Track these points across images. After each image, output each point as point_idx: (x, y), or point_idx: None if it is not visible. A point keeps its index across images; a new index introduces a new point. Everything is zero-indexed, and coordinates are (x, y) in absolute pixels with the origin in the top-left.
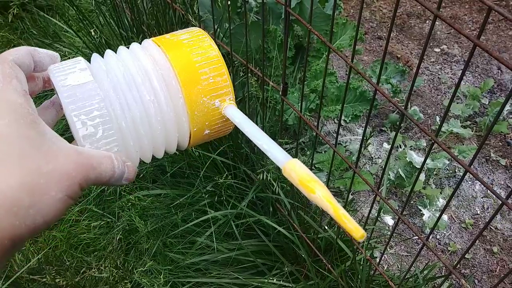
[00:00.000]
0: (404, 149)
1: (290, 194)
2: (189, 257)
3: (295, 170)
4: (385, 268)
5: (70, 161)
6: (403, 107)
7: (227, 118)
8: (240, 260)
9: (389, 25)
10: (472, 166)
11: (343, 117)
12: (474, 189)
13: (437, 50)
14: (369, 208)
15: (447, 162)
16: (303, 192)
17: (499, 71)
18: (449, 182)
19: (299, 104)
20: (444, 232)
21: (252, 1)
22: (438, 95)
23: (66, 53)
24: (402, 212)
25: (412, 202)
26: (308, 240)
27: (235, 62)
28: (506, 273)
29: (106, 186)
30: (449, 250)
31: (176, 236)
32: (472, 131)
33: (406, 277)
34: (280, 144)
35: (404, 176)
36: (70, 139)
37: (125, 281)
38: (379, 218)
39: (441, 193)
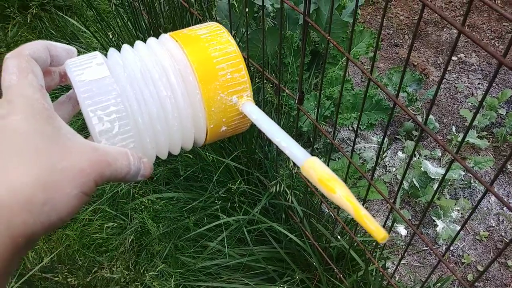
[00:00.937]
0: (418, 158)
1: (303, 202)
2: (200, 261)
3: (314, 168)
4: (397, 278)
5: (85, 157)
6: (420, 119)
7: (244, 115)
8: (251, 266)
9: (406, 32)
10: (487, 177)
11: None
12: (489, 201)
13: (454, 58)
14: (385, 219)
15: (463, 173)
16: (322, 191)
17: None
18: (464, 193)
19: (314, 110)
20: (458, 244)
21: (269, 6)
22: (454, 104)
23: (83, 53)
24: (418, 227)
25: (426, 212)
26: (320, 249)
27: (251, 68)
28: None
29: (122, 183)
30: (463, 262)
31: (188, 240)
32: (489, 142)
33: None
34: None
35: (418, 186)
36: (87, 138)
37: (136, 283)
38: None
39: (455, 204)
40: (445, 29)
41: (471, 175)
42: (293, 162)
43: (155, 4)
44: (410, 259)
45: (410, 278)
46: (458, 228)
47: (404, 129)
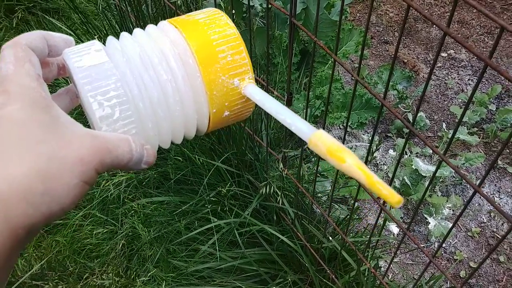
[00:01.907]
0: (410, 156)
1: (294, 203)
2: (192, 265)
3: (322, 140)
4: (390, 277)
5: (84, 145)
6: (410, 116)
7: (247, 99)
8: (244, 268)
9: (396, 30)
10: (478, 173)
11: (349, 123)
12: (481, 198)
13: (444, 54)
14: (376, 219)
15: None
16: (331, 163)
17: None
18: (455, 190)
19: (304, 110)
20: (450, 241)
21: (257, 6)
22: (444, 100)
23: None
24: (409, 227)
25: (418, 210)
26: (312, 250)
27: None
28: None
29: (125, 170)
30: (455, 259)
31: (179, 244)
32: (479, 138)
33: None
34: (284, 152)
35: (409, 184)
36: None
37: None
38: (383, 227)
39: (447, 201)
40: (434, 26)
41: (463, 171)
42: (283, 163)
43: (142, 7)
44: (403, 257)
45: (403, 276)
46: (450, 225)
47: (394, 127)
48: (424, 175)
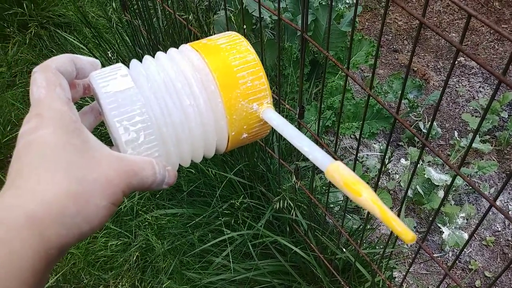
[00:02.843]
0: (422, 165)
1: (307, 214)
2: (206, 277)
3: (339, 172)
4: (405, 287)
5: (113, 168)
6: (422, 125)
7: (264, 121)
8: (257, 280)
9: (405, 38)
10: (492, 181)
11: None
12: None
13: None
14: (390, 231)
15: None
16: (347, 195)
17: None
18: (468, 198)
19: (315, 121)
20: (465, 250)
21: (267, 18)
22: (456, 108)
23: None
24: (423, 239)
25: (431, 219)
26: (326, 261)
27: None
28: None
29: (147, 191)
30: (470, 269)
31: (193, 256)
32: (492, 146)
33: None
34: (297, 163)
35: (422, 193)
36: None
37: None
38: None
39: (460, 210)
40: (444, 33)
41: (476, 180)
42: (295, 176)
43: (154, 21)
44: (417, 267)
45: (418, 286)
46: (464, 234)
47: (406, 136)
48: (436, 184)
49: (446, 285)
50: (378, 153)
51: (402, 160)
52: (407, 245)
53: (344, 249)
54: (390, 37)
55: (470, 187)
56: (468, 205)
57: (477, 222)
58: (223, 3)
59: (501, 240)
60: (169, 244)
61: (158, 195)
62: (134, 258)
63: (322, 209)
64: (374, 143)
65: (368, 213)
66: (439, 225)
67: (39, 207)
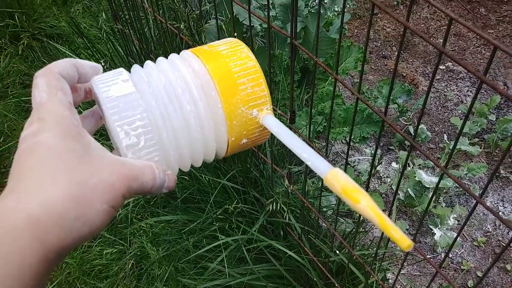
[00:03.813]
0: (413, 167)
1: (300, 218)
2: (201, 283)
3: (337, 179)
4: None
5: (114, 172)
6: (412, 129)
7: (264, 127)
8: (252, 284)
9: (393, 44)
10: (481, 183)
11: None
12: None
13: (442, 67)
14: (381, 233)
15: None
16: (346, 202)
17: (505, 86)
18: (459, 200)
19: (307, 127)
20: (457, 251)
21: (257, 26)
22: (445, 112)
23: None
24: (414, 240)
25: (423, 221)
26: (320, 264)
27: None
28: None
29: (146, 195)
30: (462, 269)
31: (188, 262)
32: (481, 148)
33: None
34: (289, 168)
35: (413, 196)
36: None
37: None
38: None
39: (451, 211)
40: (431, 39)
41: (466, 182)
42: (288, 180)
43: (145, 30)
44: (410, 268)
45: None
46: (456, 235)
47: (396, 140)
48: (427, 186)
49: (438, 285)
50: (369, 157)
51: (393, 164)
52: (398, 247)
53: (337, 252)
54: (379, 44)
55: (461, 189)
56: (459, 207)
57: (469, 223)
58: (214, 12)
59: (492, 240)
60: (164, 251)
61: (152, 202)
62: (129, 266)
63: (315, 213)
64: (366, 148)
65: (360, 216)
66: (431, 227)
67: (39, 210)
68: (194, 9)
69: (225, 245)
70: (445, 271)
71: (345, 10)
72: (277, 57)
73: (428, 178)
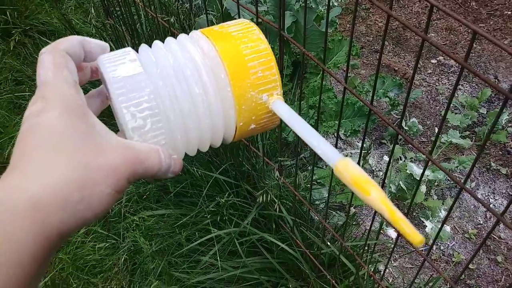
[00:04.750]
0: (404, 161)
1: (292, 211)
2: (194, 276)
3: (348, 170)
4: (390, 281)
5: (118, 155)
6: (404, 122)
7: (273, 113)
8: (245, 278)
9: (386, 39)
10: (473, 175)
11: (343, 131)
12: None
13: (433, 61)
14: (370, 222)
15: None
16: (356, 193)
17: (496, 80)
18: (450, 193)
19: None
20: (448, 243)
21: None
22: (436, 106)
23: None
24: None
25: (414, 214)
26: (312, 256)
27: None
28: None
29: (152, 180)
30: (453, 261)
31: (181, 256)
32: (472, 141)
33: None
34: (281, 161)
35: (405, 189)
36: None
37: None
38: (382, 231)
39: (443, 204)
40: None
41: (457, 174)
42: (279, 172)
43: (137, 26)
44: (402, 261)
45: (403, 280)
46: (447, 227)
47: (388, 133)
48: (419, 179)
49: (429, 277)
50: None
51: (385, 158)
52: (391, 238)
53: (329, 244)
54: (371, 38)
55: (452, 182)
56: (450, 199)
57: (460, 215)
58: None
59: (483, 232)
60: (157, 245)
61: (145, 197)
62: (123, 261)
63: (307, 205)
64: (357, 142)
65: (349, 208)
66: (422, 219)
67: (42, 191)
68: (185, 3)
69: (217, 239)
70: (437, 264)
71: (337, 4)
72: None
73: (420, 171)
